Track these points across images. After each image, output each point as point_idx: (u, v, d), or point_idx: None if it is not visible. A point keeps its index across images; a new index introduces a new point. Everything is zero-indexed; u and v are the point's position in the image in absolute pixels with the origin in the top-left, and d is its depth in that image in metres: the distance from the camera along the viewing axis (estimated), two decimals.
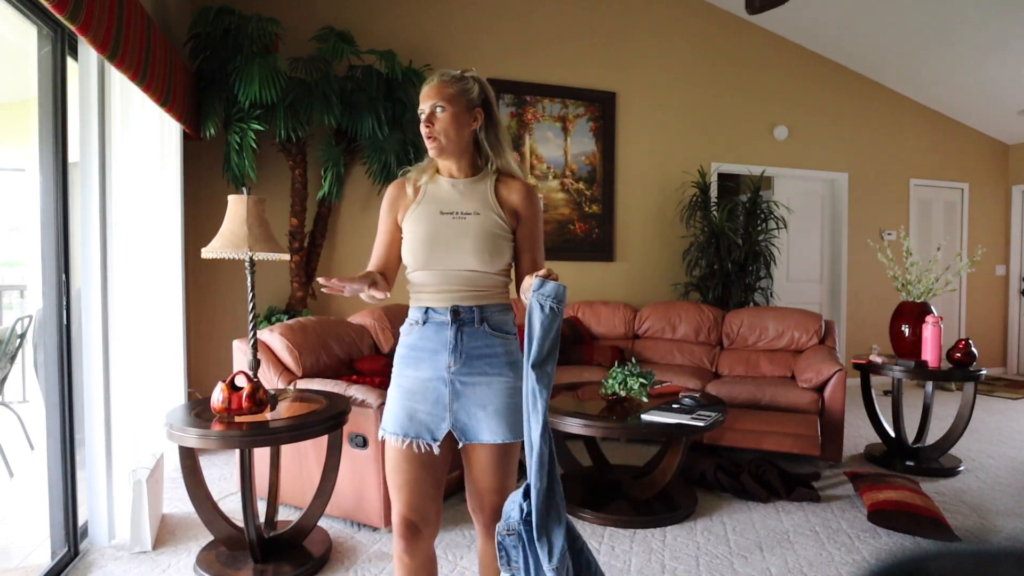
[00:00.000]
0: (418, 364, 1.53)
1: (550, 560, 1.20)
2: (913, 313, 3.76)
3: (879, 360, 3.75)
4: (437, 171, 1.61)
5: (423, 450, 1.49)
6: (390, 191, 1.62)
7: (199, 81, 3.74)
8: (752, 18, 5.52)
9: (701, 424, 2.69)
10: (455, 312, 1.50)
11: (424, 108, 1.53)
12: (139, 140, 3.01)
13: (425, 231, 1.51)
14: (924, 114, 6.33)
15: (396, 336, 3.61)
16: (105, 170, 2.53)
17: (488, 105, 1.57)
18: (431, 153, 1.54)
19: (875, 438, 4.10)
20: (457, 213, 1.52)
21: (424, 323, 1.53)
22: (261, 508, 2.60)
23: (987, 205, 6.75)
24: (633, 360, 3.23)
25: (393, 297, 1.80)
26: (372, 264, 1.61)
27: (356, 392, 2.65)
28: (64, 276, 2.32)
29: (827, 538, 2.65)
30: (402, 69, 4.15)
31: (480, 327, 1.52)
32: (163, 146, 3.37)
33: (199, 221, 3.96)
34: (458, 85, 1.53)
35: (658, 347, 4.54)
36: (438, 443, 1.50)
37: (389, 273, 1.60)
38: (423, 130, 1.52)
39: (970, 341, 3.67)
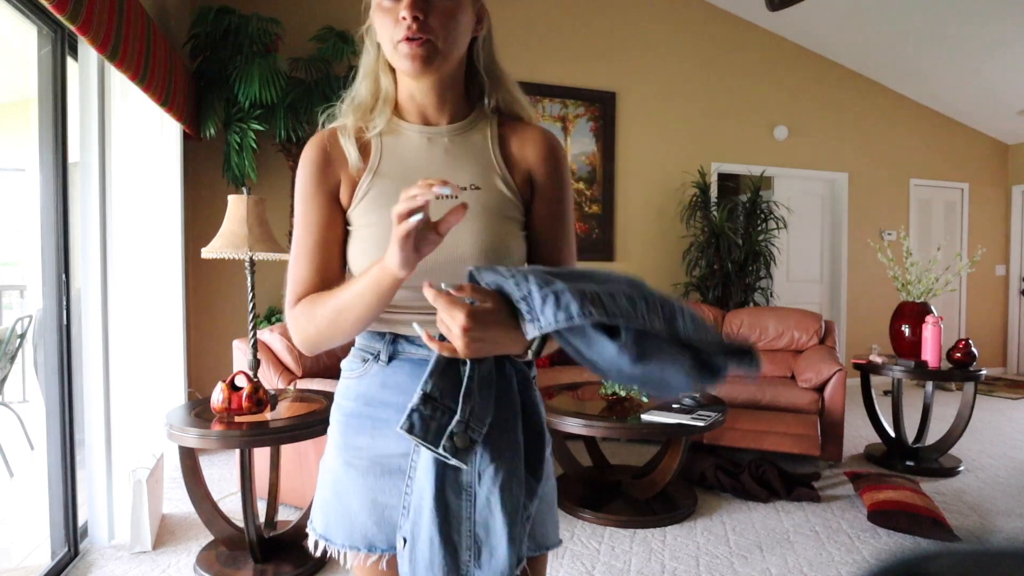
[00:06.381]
0: (378, 429, 0.93)
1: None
2: (913, 313, 3.76)
3: (879, 360, 3.75)
4: (396, 112, 0.98)
5: None
6: (313, 154, 0.95)
7: (199, 81, 3.74)
8: (752, 18, 5.53)
9: (701, 424, 2.69)
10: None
11: None
12: (139, 140, 3.01)
13: (392, 225, 0.79)
14: (924, 114, 6.33)
15: None
16: (105, 170, 2.53)
17: (484, 9, 0.98)
18: (408, 66, 0.89)
19: (875, 438, 4.10)
20: None
21: (390, 359, 0.94)
22: (261, 508, 2.60)
23: (987, 205, 6.75)
24: None
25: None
26: (302, 284, 0.93)
27: None
28: (64, 276, 2.32)
29: (827, 538, 2.65)
30: None
31: (484, 362, 0.87)
32: (163, 146, 3.37)
33: (199, 221, 3.96)
34: None
35: None
36: None
37: (331, 287, 0.93)
38: (404, 20, 0.86)
39: (970, 341, 3.67)
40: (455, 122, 0.98)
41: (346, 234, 0.95)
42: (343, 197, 0.95)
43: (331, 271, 0.94)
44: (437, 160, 0.95)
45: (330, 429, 1.00)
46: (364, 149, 0.96)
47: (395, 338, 0.94)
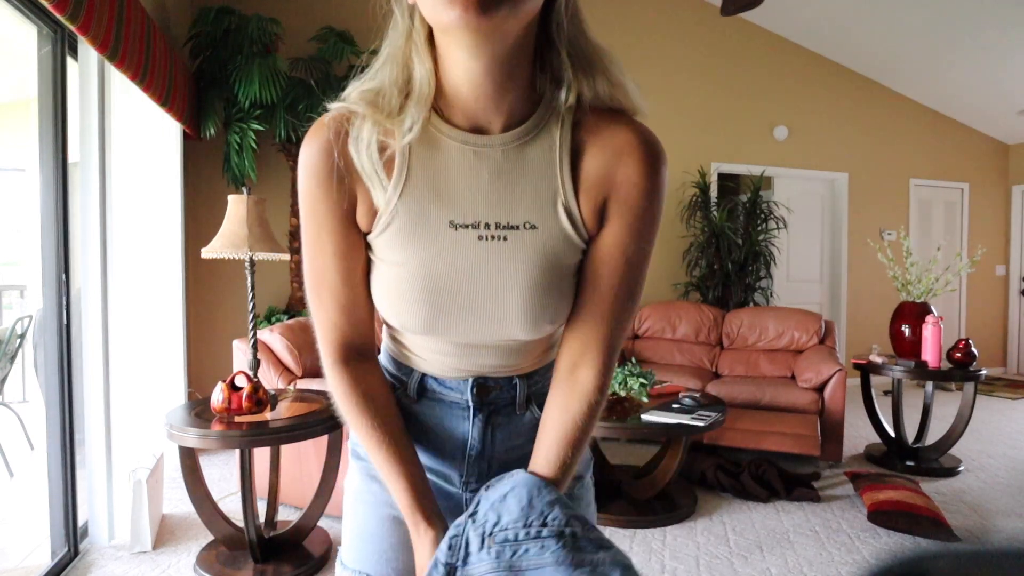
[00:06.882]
0: None
1: None
2: (913, 313, 3.76)
3: (879, 360, 3.75)
4: (434, 107, 0.70)
5: None
6: (318, 163, 0.71)
7: (199, 81, 3.74)
8: (752, 18, 5.53)
9: (701, 424, 2.69)
10: (481, 389, 0.81)
11: None
12: (139, 140, 3.01)
13: (421, 271, 0.71)
14: (924, 114, 6.33)
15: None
16: (105, 170, 2.53)
17: None
18: (458, 15, 0.58)
19: (875, 438, 4.10)
20: (489, 226, 0.70)
21: (419, 397, 0.83)
22: (261, 508, 2.60)
23: (987, 205, 6.75)
24: (633, 360, 3.23)
25: None
26: (337, 330, 0.77)
27: None
28: (64, 276, 2.32)
29: (827, 538, 2.65)
30: None
31: (525, 412, 0.83)
32: (163, 146, 3.37)
33: (199, 221, 3.96)
34: None
35: (658, 347, 4.54)
36: None
37: (365, 327, 0.78)
38: None
39: (970, 341, 3.67)
40: (513, 126, 0.70)
41: (365, 255, 0.76)
42: (361, 219, 0.73)
43: (360, 307, 0.76)
44: (483, 185, 0.70)
45: (352, 458, 0.88)
46: (388, 160, 0.70)
47: (423, 377, 0.82)
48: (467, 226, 0.70)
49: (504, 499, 0.68)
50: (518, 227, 0.70)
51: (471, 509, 0.70)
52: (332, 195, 0.71)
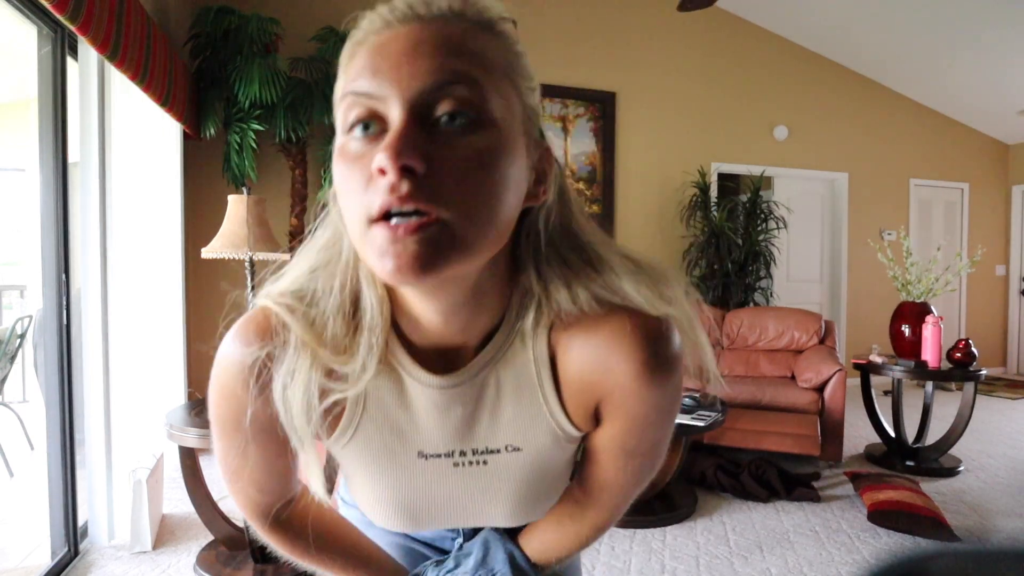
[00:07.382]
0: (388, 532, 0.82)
1: None
2: (913, 313, 3.76)
3: (879, 360, 3.75)
4: (396, 332, 0.57)
5: None
6: (244, 400, 0.57)
7: (199, 81, 3.74)
8: (752, 18, 5.53)
9: (701, 424, 2.69)
10: (472, 530, 0.80)
11: (379, 92, 0.51)
12: (139, 140, 3.01)
13: (392, 497, 0.65)
14: (924, 114, 6.33)
15: None
16: (105, 170, 2.53)
17: (550, 155, 0.58)
18: (390, 272, 0.45)
19: (875, 438, 4.09)
20: (464, 454, 0.62)
21: None
22: None
23: (987, 205, 6.75)
24: None
25: None
26: (263, 504, 0.73)
27: None
28: (64, 276, 2.32)
29: (827, 538, 2.65)
30: None
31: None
32: (163, 146, 3.38)
33: (199, 221, 3.95)
34: (500, 46, 0.54)
35: None
36: None
37: (290, 483, 0.72)
38: (382, 176, 0.45)
39: (970, 341, 3.67)
40: (483, 343, 0.58)
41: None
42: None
43: (287, 479, 0.70)
44: (455, 419, 0.59)
45: (339, 501, 0.88)
46: (330, 410, 0.57)
47: None
48: (439, 456, 0.62)
49: (470, 553, 0.74)
50: (499, 451, 0.62)
51: (441, 556, 0.79)
52: (264, 424, 0.58)
